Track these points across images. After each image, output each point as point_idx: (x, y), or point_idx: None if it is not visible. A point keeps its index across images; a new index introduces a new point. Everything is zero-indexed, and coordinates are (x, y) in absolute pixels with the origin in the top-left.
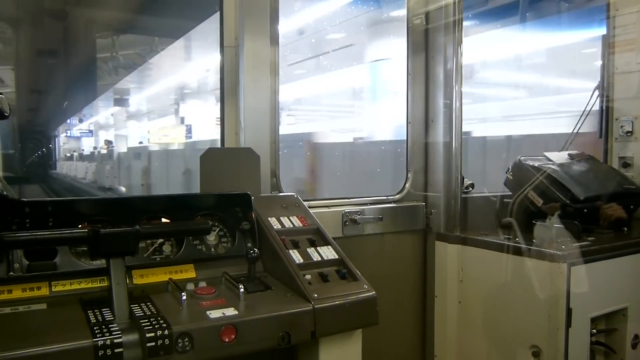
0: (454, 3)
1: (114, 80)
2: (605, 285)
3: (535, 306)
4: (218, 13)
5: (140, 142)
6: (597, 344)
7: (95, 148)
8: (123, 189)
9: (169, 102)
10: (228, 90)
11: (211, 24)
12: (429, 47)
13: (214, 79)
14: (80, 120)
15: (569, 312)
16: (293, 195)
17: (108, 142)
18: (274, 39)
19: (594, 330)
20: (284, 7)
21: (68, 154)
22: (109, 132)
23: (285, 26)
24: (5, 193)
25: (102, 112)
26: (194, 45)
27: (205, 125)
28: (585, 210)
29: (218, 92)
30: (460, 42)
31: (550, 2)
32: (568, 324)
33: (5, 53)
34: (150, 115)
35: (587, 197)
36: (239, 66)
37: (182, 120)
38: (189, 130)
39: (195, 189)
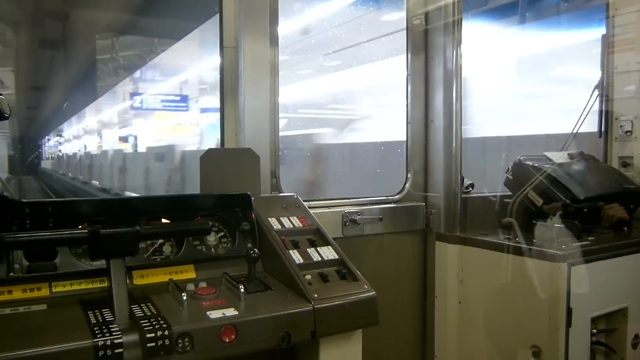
0: (453, 3)
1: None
2: (605, 285)
3: (535, 306)
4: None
5: (79, 150)
6: (598, 344)
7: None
8: (60, 170)
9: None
10: (228, 90)
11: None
12: (429, 48)
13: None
14: (48, 139)
15: (569, 312)
16: (293, 195)
17: (59, 150)
18: (274, 40)
19: (594, 330)
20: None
21: (48, 156)
22: (71, 143)
23: None
24: (5, 194)
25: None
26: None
27: (91, 144)
28: (586, 210)
29: (99, 124)
30: (459, 42)
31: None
32: (568, 323)
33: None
34: (87, 136)
35: (587, 197)
36: (239, 67)
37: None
38: (85, 147)
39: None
